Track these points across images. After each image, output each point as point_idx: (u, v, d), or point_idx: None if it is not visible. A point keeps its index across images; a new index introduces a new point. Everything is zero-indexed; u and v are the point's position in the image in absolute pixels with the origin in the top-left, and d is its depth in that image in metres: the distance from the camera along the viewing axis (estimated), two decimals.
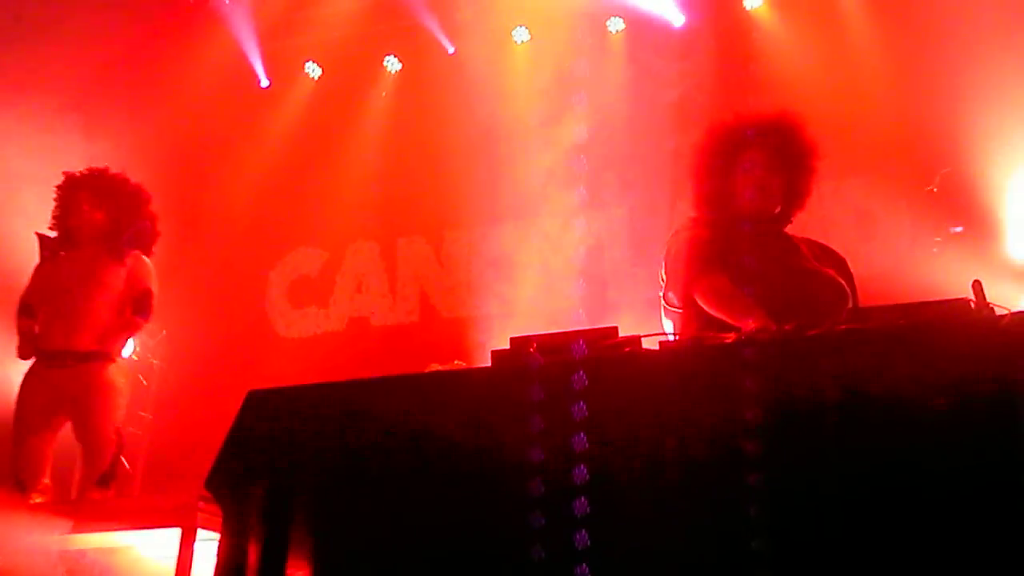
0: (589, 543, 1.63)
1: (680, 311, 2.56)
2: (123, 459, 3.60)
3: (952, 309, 1.84)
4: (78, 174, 3.94)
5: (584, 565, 1.62)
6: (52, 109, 5.24)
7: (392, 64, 6.26)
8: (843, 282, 2.46)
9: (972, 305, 1.84)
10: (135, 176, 4.06)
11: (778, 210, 2.66)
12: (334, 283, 6.10)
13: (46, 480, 3.62)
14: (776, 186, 2.62)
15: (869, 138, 4.98)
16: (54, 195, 3.93)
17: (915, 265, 4.74)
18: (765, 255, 2.46)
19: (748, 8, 5.62)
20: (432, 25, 6.03)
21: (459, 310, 5.81)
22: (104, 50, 5.52)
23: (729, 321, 2.31)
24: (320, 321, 6.06)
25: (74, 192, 3.88)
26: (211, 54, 6.00)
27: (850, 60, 5.20)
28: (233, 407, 2.03)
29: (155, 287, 3.91)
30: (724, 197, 2.63)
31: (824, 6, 5.45)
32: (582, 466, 1.72)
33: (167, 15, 5.85)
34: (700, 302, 2.46)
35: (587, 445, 1.72)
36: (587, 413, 1.74)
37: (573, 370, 1.78)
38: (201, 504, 2.86)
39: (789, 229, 2.73)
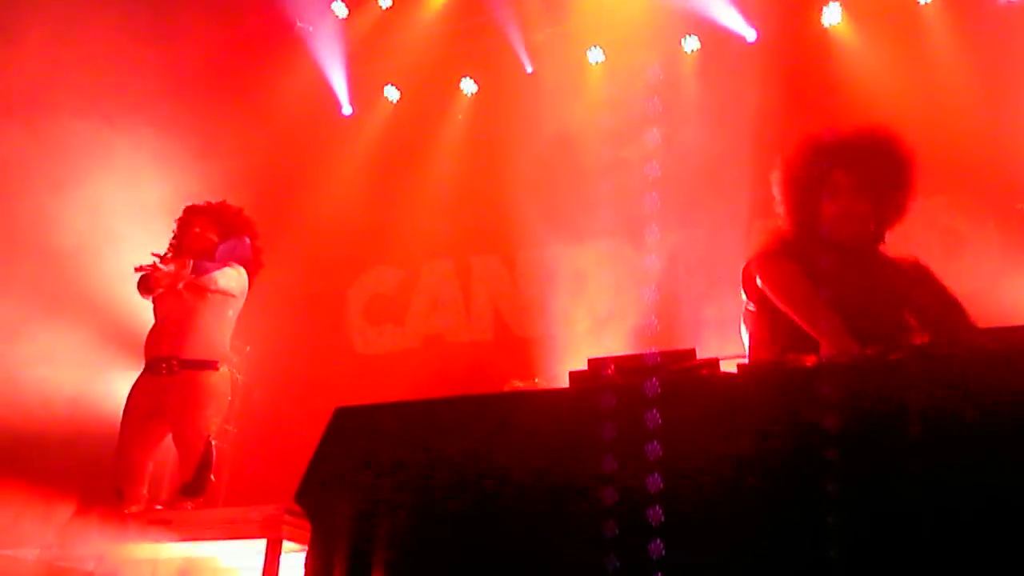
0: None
1: (753, 310, 2.54)
2: (210, 470, 3.73)
3: None
4: (194, 205, 4.17)
5: None
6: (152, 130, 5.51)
7: (468, 86, 6.38)
8: (933, 309, 2.38)
9: None
10: (222, 196, 4.28)
11: (866, 233, 2.56)
12: (410, 301, 6.22)
13: (143, 490, 3.78)
14: (863, 211, 2.52)
15: (953, 155, 4.84)
16: (174, 225, 4.14)
17: (1005, 286, 4.59)
18: (845, 285, 2.38)
19: (826, 25, 5.54)
20: (510, 45, 6.12)
21: (532, 329, 5.86)
22: (194, 77, 5.77)
23: (798, 320, 2.27)
24: (397, 339, 6.18)
25: (188, 218, 4.09)
26: (297, 79, 6.22)
27: (932, 75, 5.08)
28: (314, 422, 2.10)
29: (232, 282, 4.01)
30: (809, 219, 2.55)
31: (906, 21, 5.35)
32: (657, 484, 1.73)
33: (255, 40, 6.08)
34: (768, 292, 2.41)
35: (663, 471, 1.73)
36: (664, 437, 1.76)
37: (650, 392, 1.80)
38: (287, 517, 2.96)
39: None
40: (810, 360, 1.85)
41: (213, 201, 4.20)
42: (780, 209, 2.64)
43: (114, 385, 4.60)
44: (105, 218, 5.19)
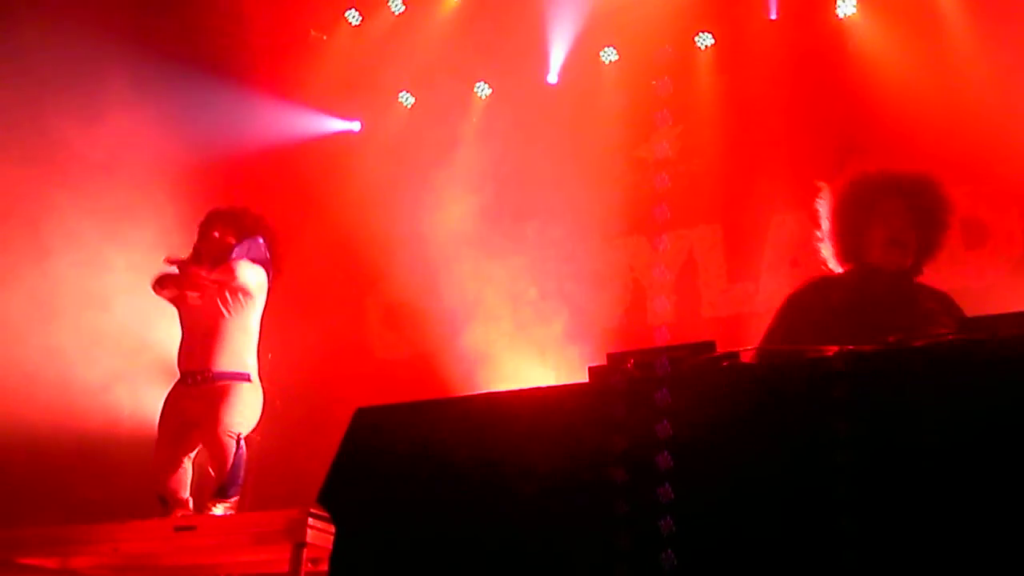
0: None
1: None
2: (241, 474, 3.76)
3: None
4: (216, 209, 4.22)
5: None
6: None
7: (483, 90, 6.39)
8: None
9: None
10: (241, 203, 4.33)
11: (910, 264, 2.74)
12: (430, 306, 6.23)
13: (185, 495, 3.82)
14: (912, 239, 2.72)
15: (974, 145, 4.79)
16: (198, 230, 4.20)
17: None
18: (884, 307, 2.56)
19: (841, 16, 5.50)
20: (524, 47, 6.13)
21: (549, 328, 5.85)
22: (206, 84, 5.83)
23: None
24: (415, 344, 6.19)
25: (210, 221, 4.14)
26: (314, 86, 6.26)
27: (950, 66, 5.02)
28: (336, 427, 2.11)
29: (249, 277, 4.04)
30: (856, 244, 2.75)
31: (922, 9, 5.29)
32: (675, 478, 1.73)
33: (270, 48, 6.13)
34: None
35: (681, 465, 1.72)
36: (683, 429, 1.75)
37: (669, 384, 1.79)
38: (311, 520, 2.98)
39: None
40: (831, 350, 1.84)
41: (235, 207, 4.25)
42: (826, 236, 2.83)
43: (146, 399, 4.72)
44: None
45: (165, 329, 4.42)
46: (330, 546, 2.05)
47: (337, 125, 6.46)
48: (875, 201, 2.73)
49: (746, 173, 5.54)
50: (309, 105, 6.26)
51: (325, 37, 6.29)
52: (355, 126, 6.57)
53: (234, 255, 4.04)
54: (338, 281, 6.25)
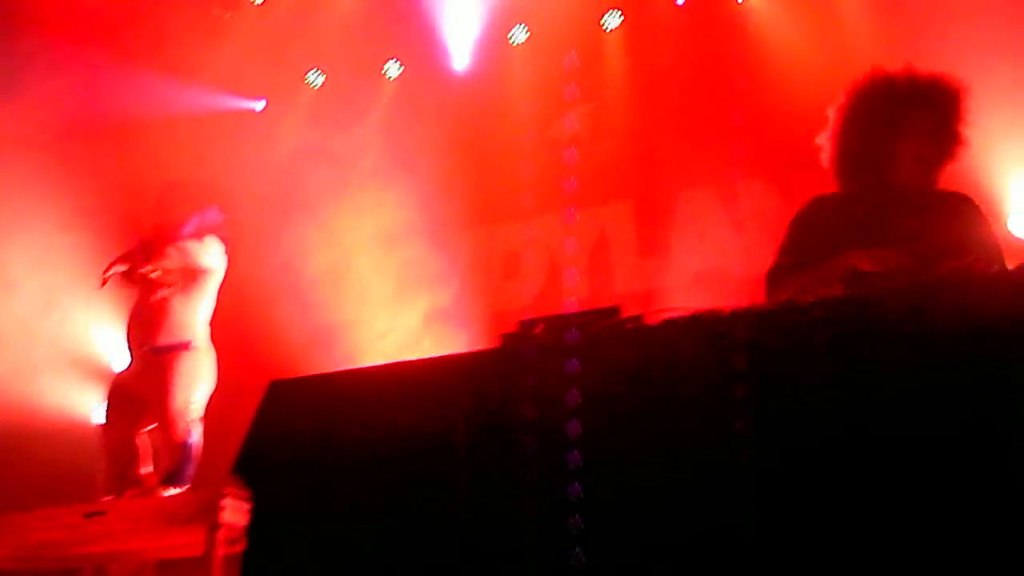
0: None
1: None
2: (191, 456, 3.68)
3: None
4: (169, 181, 4.13)
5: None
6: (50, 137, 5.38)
7: (392, 70, 6.35)
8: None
9: None
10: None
11: (932, 176, 2.59)
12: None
13: (140, 472, 3.72)
14: (935, 156, 2.55)
15: None
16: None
17: None
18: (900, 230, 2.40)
19: (740, 1, 5.69)
20: (433, 28, 6.12)
21: (470, 309, 5.90)
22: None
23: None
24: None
25: (160, 196, 4.05)
26: (218, 64, 6.11)
27: (842, 46, 5.25)
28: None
29: (212, 258, 4.00)
30: (877, 162, 2.54)
31: None
32: (577, 431, 1.79)
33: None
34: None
35: (585, 420, 1.79)
36: (588, 388, 1.82)
37: (575, 347, 1.86)
38: (226, 500, 2.95)
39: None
40: (727, 309, 1.93)
41: (184, 178, 4.17)
42: (838, 141, 2.61)
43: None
44: None
45: (72, 316, 4.29)
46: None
47: (241, 103, 6.32)
48: (903, 115, 2.53)
49: (655, 151, 5.69)
50: (212, 82, 6.10)
51: (229, 15, 6.13)
52: (259, 105, 6.44)
53: (186, 230, 3.96)
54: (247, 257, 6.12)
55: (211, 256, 3.99)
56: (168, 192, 4.07)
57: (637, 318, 2.00)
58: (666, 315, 2.03)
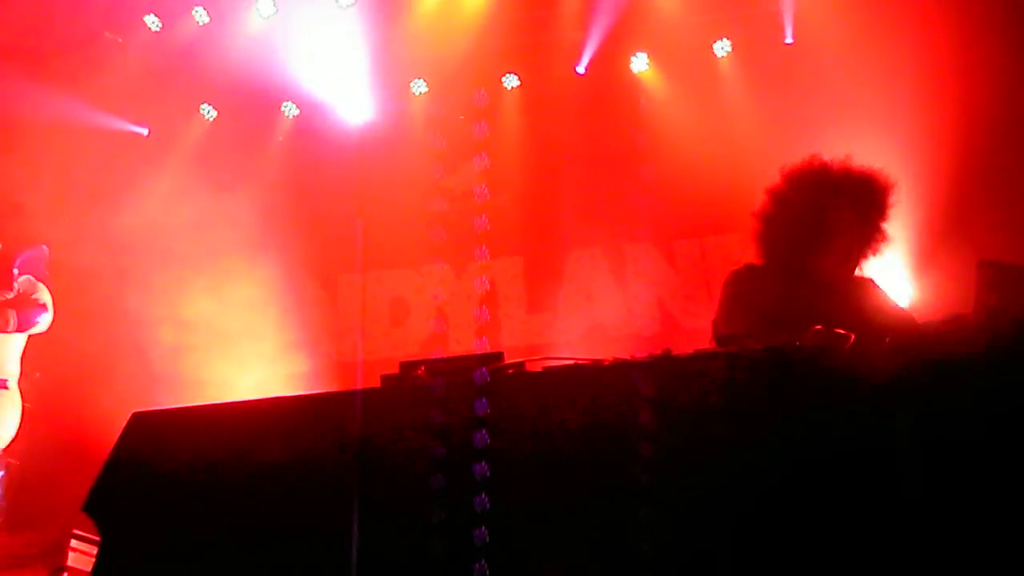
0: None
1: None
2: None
3: None
4: None
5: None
6: None
7: (290, 109, 6.28)
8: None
9: None
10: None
11: (851, 268, 2.68)
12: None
13: None
14: (859, 244, 2.64)
15: (746, 194, 5.27)
16: None
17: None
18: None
19: (635, 71, 5.93)
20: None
21: (353, 354, 5.81)
22: None
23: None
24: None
25: None
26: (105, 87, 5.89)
27: (724, 112, 5.55)
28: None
29: (50, 313, 3.80)
30: (804, 252, 2.63)
31: (700, 68, 5.81)
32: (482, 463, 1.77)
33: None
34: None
35: (486, 441, 1.77)
36: (466, 432, 1.80)
37: (453, 391, 1.85)
38: (73, 543, 2.76)
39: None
40: (607, 360, 1.97)
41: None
42: (772, 234, 2.69)
43: None
44: None
45: None
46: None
47: (124, 127, 6.08)
48: (832, 208, 2.61)
49: (548, 209, 5.80)
50: (97, 104, 5.85)
51: (120, 40, 5.94)
52: (143, 131, 6.21)
53: (21, 264, 3.76)
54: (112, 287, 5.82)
55: (47, 296, 3.82)
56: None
57: (519, 364, 2.01)
58: (547, 363, 2.06)
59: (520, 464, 1.74)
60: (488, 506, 1.68)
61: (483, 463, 1.73)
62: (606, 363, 1.95)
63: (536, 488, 1.72)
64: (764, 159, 5.16)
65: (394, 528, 1.74)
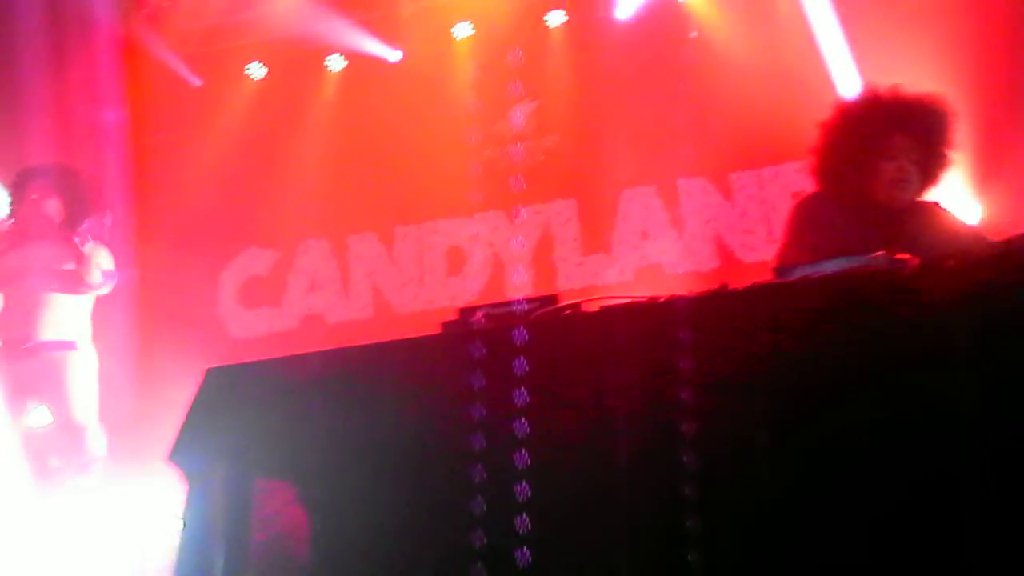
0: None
1: None
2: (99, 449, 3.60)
3: None
4: (28, 167, 3.94)
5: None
6: None
7: (336, 63, 6.29)
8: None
9: None
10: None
11: (912, 196, 2.66)
12: (286, 282, 6.13)
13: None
14: (916, 176, 2.63)
15: (805, 121, 5.14)
16: (9, 190, 3.92)
17: None
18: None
19: (681, 1, 5.78)
20: (377, 20, 6.08)
21: (412, 305, 5.89)
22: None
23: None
24: (273, 320, 6.08)
25: (24, 182, 3.87)
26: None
27: (782, 45, 5.37)
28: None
29: (112, 278, 3.91)
30: (859, 181, 2.62)
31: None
32: (524, 429, 1.80)
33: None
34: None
35: (528, 414, 1.80)
36: (530, 378, 1.83)
37: (516, 334, 1.88)
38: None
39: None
40: (663, 297, 1.97)
41: (53, 164, 3.99)
42: (824, 171, 2.69)
43: None
44: None
45: None
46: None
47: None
48: (883, 135, 2.61)
49: (598, 149, 5.74)
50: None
51: None
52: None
53: (83, 232, 3.82)
54: (190, 257, 6.03)
55: (111, 261, 3.89)
56: (30, 178, 3.88)
57: (575, 304, 2.03)
58: (604, 303, 2.07)
59: (577, 404, 1.76)
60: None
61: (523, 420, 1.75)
62: (662, 300, 1.95)
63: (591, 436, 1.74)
64: (819, 84, 5.08)
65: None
